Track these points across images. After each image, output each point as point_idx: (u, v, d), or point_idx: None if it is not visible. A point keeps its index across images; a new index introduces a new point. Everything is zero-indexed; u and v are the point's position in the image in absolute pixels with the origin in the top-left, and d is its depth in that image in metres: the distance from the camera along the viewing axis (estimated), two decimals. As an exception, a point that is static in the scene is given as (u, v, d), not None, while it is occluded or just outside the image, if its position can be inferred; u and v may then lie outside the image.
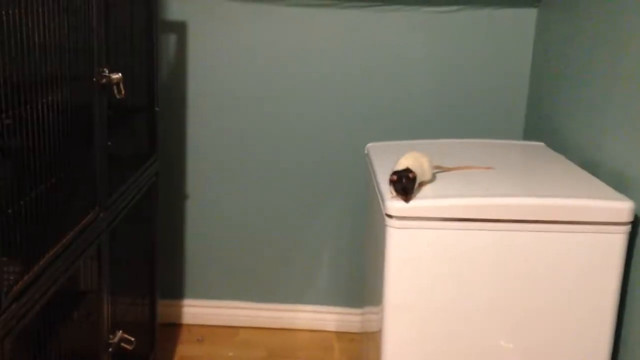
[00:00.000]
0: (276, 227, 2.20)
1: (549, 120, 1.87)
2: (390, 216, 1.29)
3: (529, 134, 2.04)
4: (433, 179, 1.38)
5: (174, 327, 2.24)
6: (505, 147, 1.75)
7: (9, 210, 0.91)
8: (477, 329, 1.31)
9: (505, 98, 2.08)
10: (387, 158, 1.57)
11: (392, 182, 1.28)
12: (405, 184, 1.26)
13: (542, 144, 1.77)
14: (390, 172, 1.31)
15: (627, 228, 1.26)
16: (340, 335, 2.23)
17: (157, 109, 1.65)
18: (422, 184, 1.33)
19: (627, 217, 1.25)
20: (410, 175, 1.26)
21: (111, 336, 1.32)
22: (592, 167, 1.51)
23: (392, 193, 1.29)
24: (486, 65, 2.06)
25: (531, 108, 2.05)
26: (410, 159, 1.31)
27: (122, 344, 1.35)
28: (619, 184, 1.38)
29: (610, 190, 1.34)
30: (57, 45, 1.04)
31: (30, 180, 0.98)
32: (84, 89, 1.16)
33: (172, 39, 2.06)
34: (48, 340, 1.10)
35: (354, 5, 2.02)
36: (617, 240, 1.26)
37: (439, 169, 1.43)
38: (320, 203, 2.18)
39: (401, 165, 1.30)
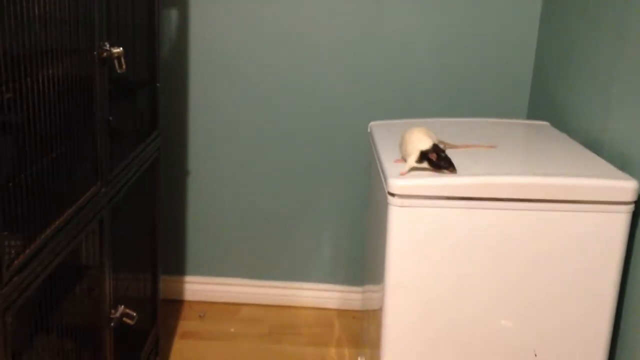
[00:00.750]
0: (278, 204, 2.20)
1: (553, 99, 1.86)
2: (392, 194, 1.28)
3: (534, 113, 2.03)
4: None
5: (176, 303, 2.25)
6: (510, 126, 1.74)
7: (10, 184, 0.91)
8: (478, 308, 1.32)
9: (511, 77, 2.06)
10: (390, 137, 1.56)
11: (431, 161, 1.27)
12: (446, 156, 1.27)
13: (546, 123, 1.75)
14: (401, 151, 1.33)
15: (631, 207, 1.25)
16: (341, 312, 2.24)
17: (158, 84, 1.64)
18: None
19: (631, 196, 1.25)
20: (442, 147, 1.29)
21: (113, 311, 1.33)
22: (596, 146, 1.50)
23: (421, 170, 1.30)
24: (491, 44, 2.04)
25: (536, 87, 2.03)
26: (421, 134, 1.31)
27: (124, 319, 1.36)
28: (623, 163, 1.37)
29: (614, 170, 1.33)
30: (57, 17, 1.03)
31: (31, 154, 0.97)
32: (85, 63, 1.15)
33: (173, 14, 2.04)
34: (50, 314, 1.10)
35: (358, -19, 2.00)
36: (621, 219, 1.25)
37: (442, 145, 1.42)
38: (322, 180, 2.17)
39: (423, 142, 1.29)
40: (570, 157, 1.44)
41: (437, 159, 1.27)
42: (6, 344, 0.89)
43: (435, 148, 1.28)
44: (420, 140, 1.29)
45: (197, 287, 2.28)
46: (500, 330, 1.32)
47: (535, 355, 1.33)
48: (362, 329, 1.88)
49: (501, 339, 1.33)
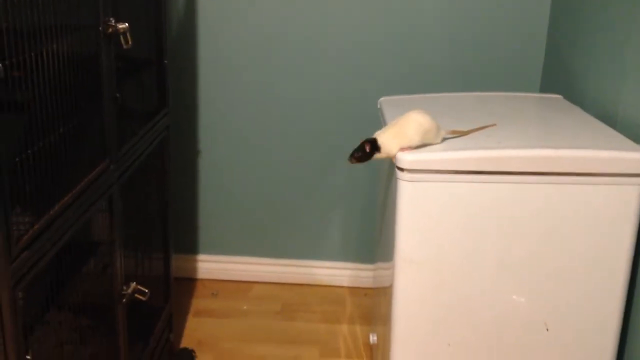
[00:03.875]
0: (290, 182, 2.20)
1: (566, 72, 1.82)
2: (401, 169, 1.27)
3: (547, 86, 1.99)
4: (440, 142, 1.32)
5: (190, 282, 2.27)
6: (522, 100, 1.71)
7: (18, 161, 0.91)
8: (489, 282, 1.31)
9: (523, 50, 2.03)
10: (399, 112, 1.53)
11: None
12: (358, 149, 1.28)
13: (559, 96, 1.73)
14: None
15: (644, 180, 1.23)
16: (352, 290, 2.25)
17: (166, 61, 1.63)
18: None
19: (644, 168, 1.22)
20: (367, 147, 1.27)
21: (125, 287, 1.34)
22: (610, 118, 1.47)
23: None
24: (503, 17, 2.00)
25: (549, 60, 1.99)
26: (395, 127, 1.29)
27: (136, 295, 1.37)
28: (637, 135, 1.34)
29: (627, 141, 1.30)
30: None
31: (39, 130, 0.97)
32: (90, 38, 1.15)
33: (182, -9, 2.03)
34: (61, 290, 1.11)
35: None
36: (634, 191, 1.23)
37: (455, 134, 1.37)
38: (333, 158, 2.16)
39: (379, 133, 1.29)
40: (583, 129, 1.42)
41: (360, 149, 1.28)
42: (17, 319, 0.90)
43: (367, 139, 1.28)
44: (379, 132, 1.30)
45: (209, 266, 2.29)
46: (512, 304, 1.32)
47: (547, 329, 1.32)
48: (374, 306, 1.89)
49: (512, 314, 1.32)
